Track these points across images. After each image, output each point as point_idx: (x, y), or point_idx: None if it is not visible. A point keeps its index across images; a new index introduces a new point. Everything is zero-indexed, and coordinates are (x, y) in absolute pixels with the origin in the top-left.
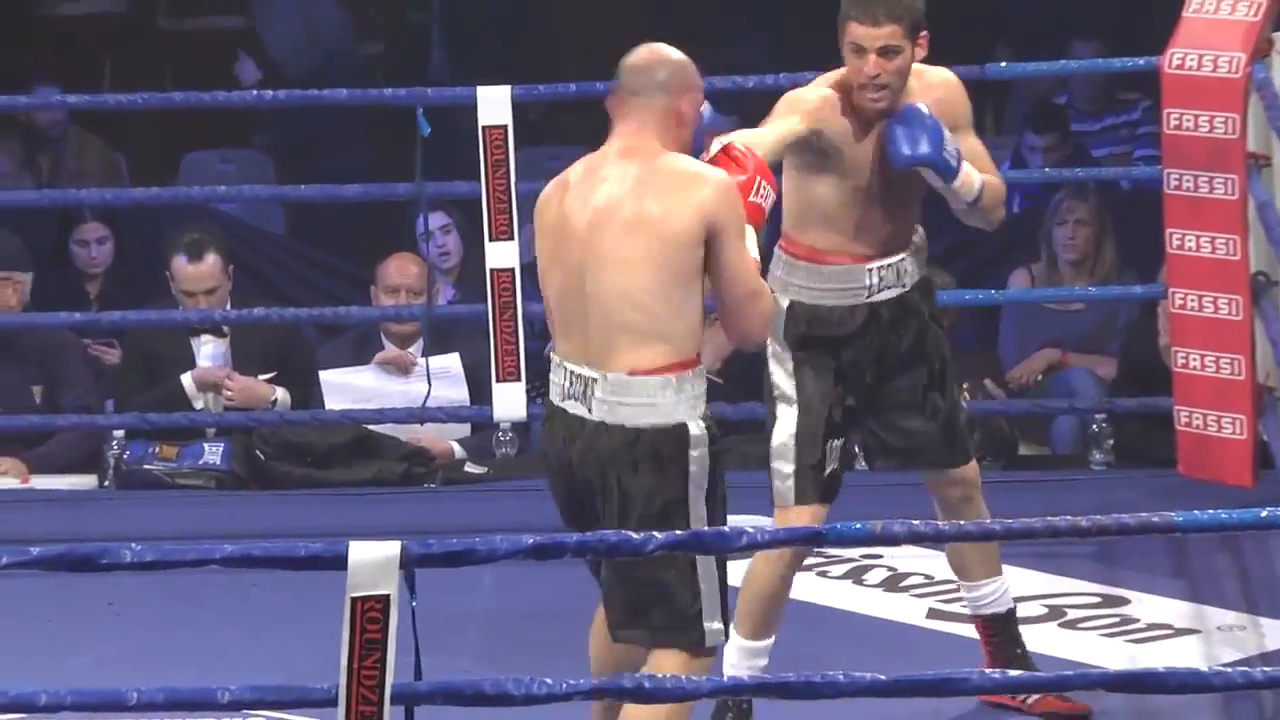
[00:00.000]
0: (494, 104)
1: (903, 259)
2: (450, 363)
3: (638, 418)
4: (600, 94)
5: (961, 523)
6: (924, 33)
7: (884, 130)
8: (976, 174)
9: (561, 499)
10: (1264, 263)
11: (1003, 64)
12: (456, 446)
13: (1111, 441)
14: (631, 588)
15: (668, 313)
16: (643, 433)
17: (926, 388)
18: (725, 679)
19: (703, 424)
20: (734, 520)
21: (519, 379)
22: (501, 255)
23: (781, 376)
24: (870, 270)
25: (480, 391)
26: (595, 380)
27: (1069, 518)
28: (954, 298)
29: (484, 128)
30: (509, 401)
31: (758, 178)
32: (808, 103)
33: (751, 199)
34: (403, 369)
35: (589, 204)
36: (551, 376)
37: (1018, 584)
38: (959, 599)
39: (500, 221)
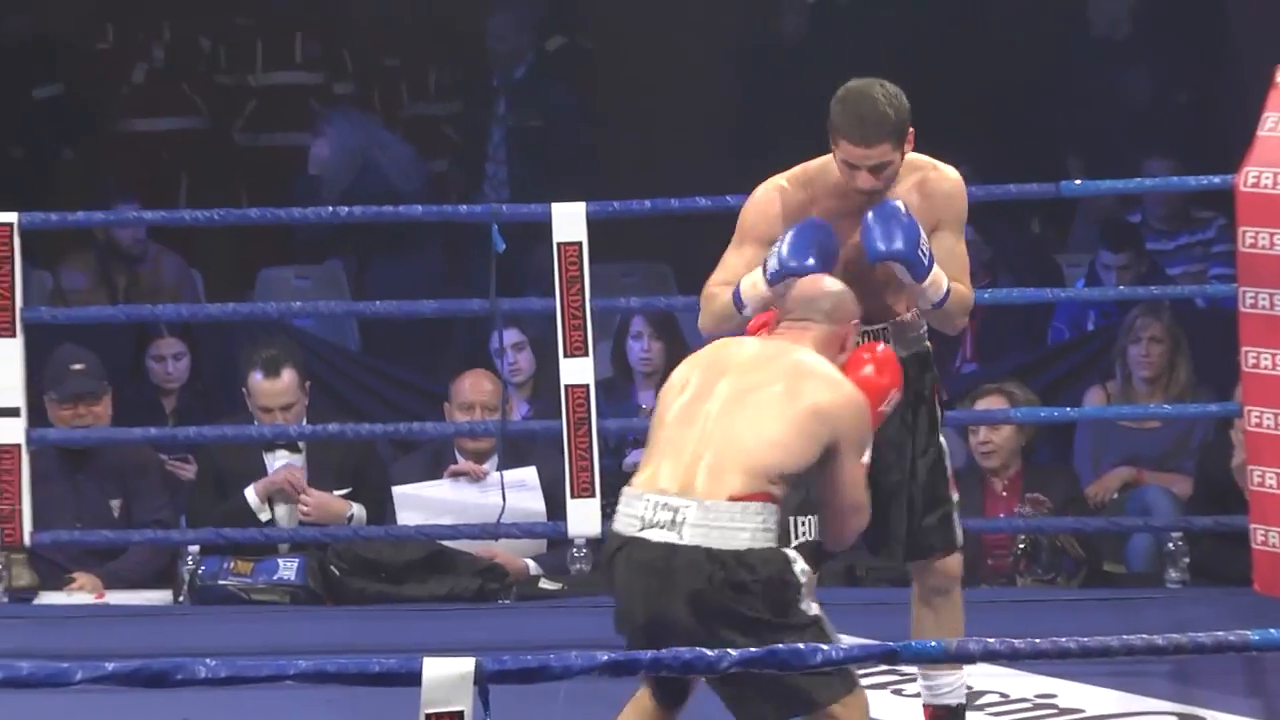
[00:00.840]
0: (569, 220)
1: (883, 327)
2: (527, 476)
3: (742, 541)
4: (673, 210)
5: (1036, 641)
6: (910, 131)
7: (862, 221)
8: (945, 278)
9: (636, 627)
10: None
11: (1077, 182)
12: (532, 563)
13: (1187, 559)
14: (766, 685)
15: (773, 472)
16: (744, 555)
17: (911, 464)
18: None
19: (796, 549)
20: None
21: (594, 495)
22: (576, 371)
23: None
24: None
25: (555, 507)
26: (689, 505)
27: (1145, 636)
28: (1029, 414)
29: (559, 244)
30: (584, 517)
31: (892, 390)
32: (774, 216)
33: (881, 408)
34: (475, 480)
35: (744, 355)
36: (620, 508)
37: (1094, 702)
38: (1036, 717)
39: (575, 338)
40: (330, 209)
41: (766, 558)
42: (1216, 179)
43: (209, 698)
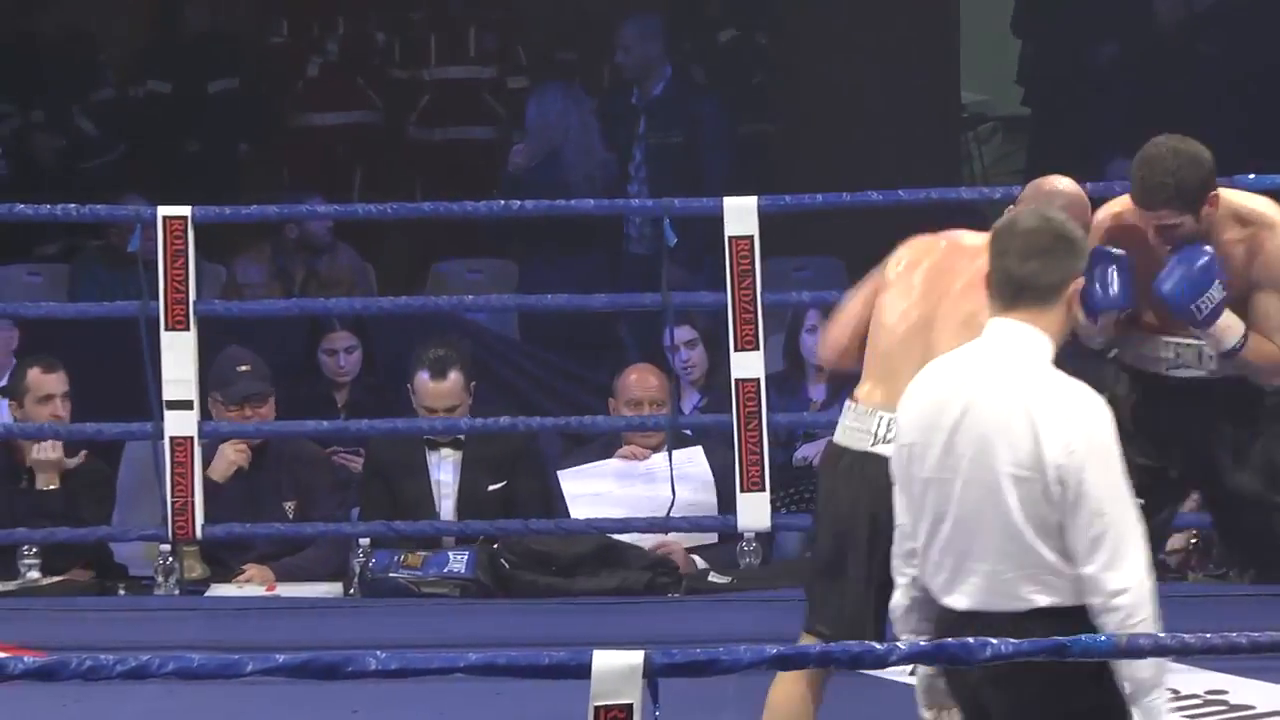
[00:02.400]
0: (741, 214)
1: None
2: (694, 455)
3: None
4: (845, 204)
5: (1207, 636)
6: (1212, 194)
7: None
8: (1239, 331)
9: (852, 532)
10: None
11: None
12: (697, 558)
13: None
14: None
15: None
16: None
17: None
18: None
19: None
20: None
21: (764, 489)
22: (747, 365)
23: None
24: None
25: (725, 501)
26: None
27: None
28: None
29: (730, 238)
30: (754, 511)
31: None
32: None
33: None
34: (640, 458)
35: (951, 272)
36: (851, 423)
37: (1266, 699)
38: (1211, 714)
39: (746, 332)
40: (502, 202)
41: None
42: None
43: (379, 690)
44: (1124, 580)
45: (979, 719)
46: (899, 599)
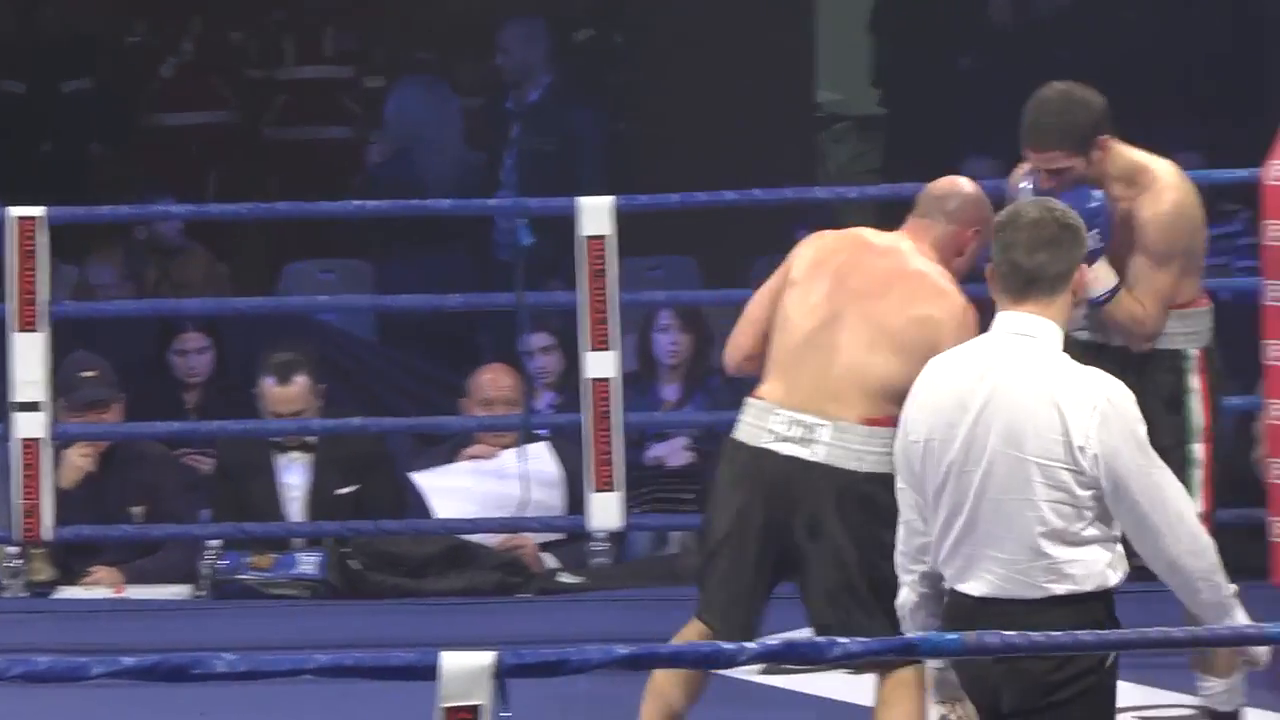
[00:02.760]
0: (596, 214)
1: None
2: (539, 451)
3: (867, 464)
4: (700, 204)
5: (1057, 634)
6: (1100, 138)
7: None
8: (1107, 282)
9: (745, 538)
10: None
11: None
12: (549, 556)
13: None
14: (846, 622)
15: (890, 389)
16: (874, 477)
17: None
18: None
19: None
20: None
21: (616, 489)
22: (600, 365)
23: None
24: None
25: (576, 501)
26: (821, 425)
27: (1163, 629)
28: None
29: (585, 238)
30: (605, 511)
31: None
32: None
33: None
34: (486, 456)
35: (859, 271)
36: (749, 419)
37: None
38: None
39: (599, 332)
40: (356, 203)
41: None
42: (1244, 172)
43: (227, 693)
44: (1176, 548)
45: (992, 703)
46: (906, 596)
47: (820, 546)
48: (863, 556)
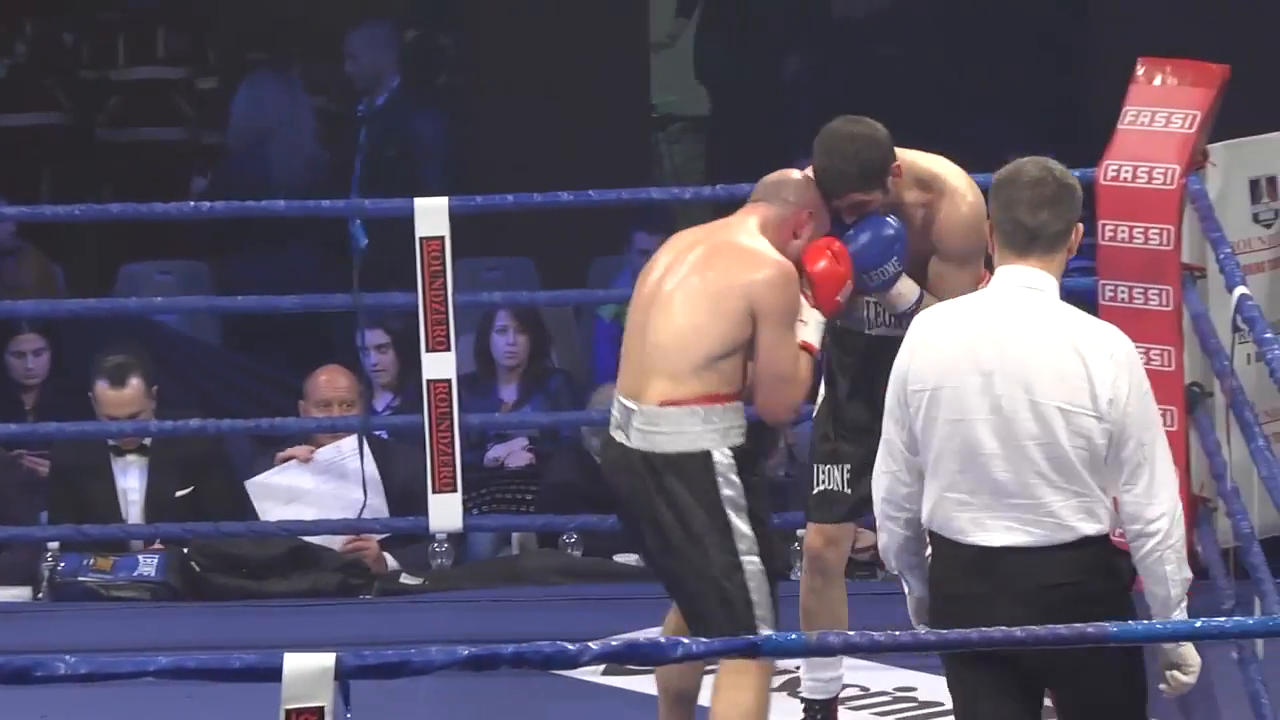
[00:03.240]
0: (431, 215)
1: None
2: (346, 445)
3: (667, 444)
4: (536, 205)
5: (896, 633)
6: (892, 167)
7: None
8: (910, 295)
9: (627, 524)
10: (1198, 374)
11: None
12: (389, 558)
13: None
14: (695, 611)
15: (704, 363)
16: (673, 459)
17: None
18: None
19: (728, 452)
20: None
21: (455, 490)
22: (438, 366)
23: None
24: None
25: (417, 502)
26: (633, 410)
27: (1004, 628)
28: None
29: (421, 239)
30: (445, 512)
31: (846, 280)
32: None
33: (837, 297)
34: (304, 459)
35: (673, 258)
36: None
37: (937, 693)
38: (900, 712)
39: (437, 333)
40: (193, 204)
41: (689, 459)
42: (1076, 172)
43: (68, 695)
44: (1162, 507)
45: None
46: (892, 540)
47: (650, 530)
48: (688, 535)
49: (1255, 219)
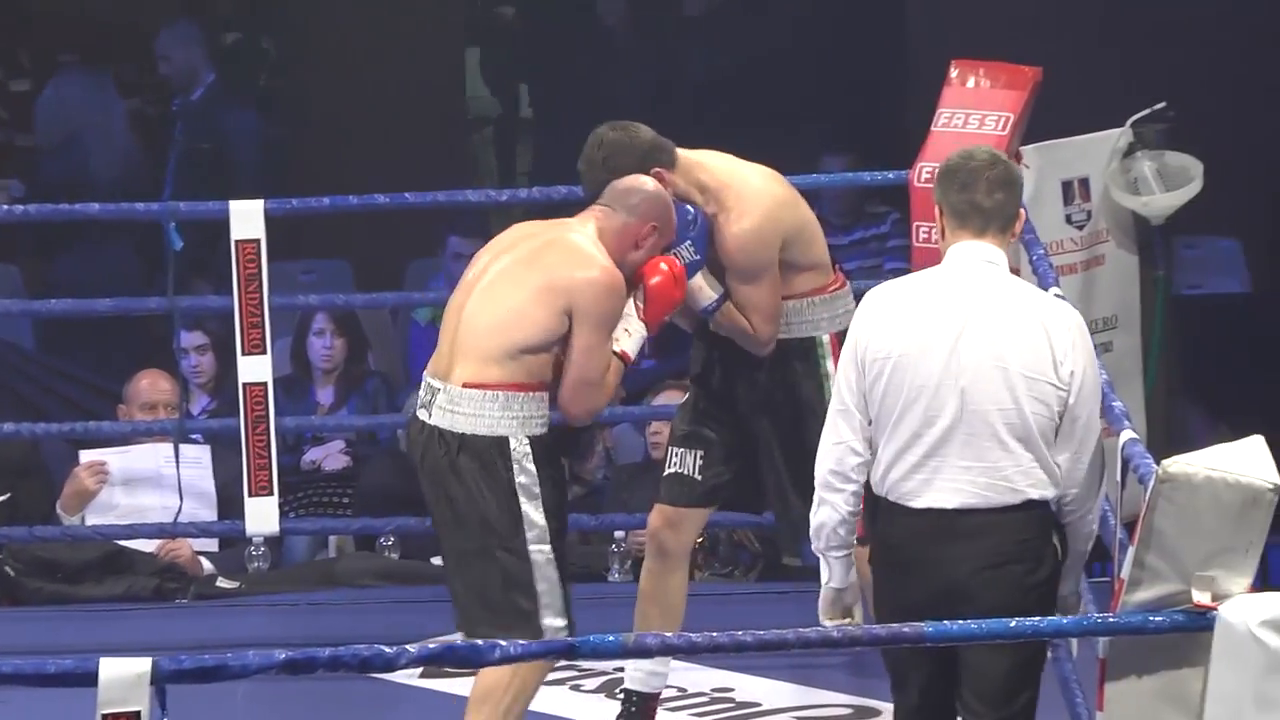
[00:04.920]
0: (247, 217)
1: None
2: (201, 454)
3: (465, 425)
4: (352, 208)
5: (714, 635)
6: (653, 170)
7: None
8: (710, 294)
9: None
10: None
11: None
12: (205, 561)
13: None
14: (472, 590)
15: (514, 351)
16: (469, 440)
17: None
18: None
19: (527, 441)
20: None
21: (272, 493)
22: (254, 369)
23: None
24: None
25: (233, 506)
26: (439, 389)
27: (820, 629)
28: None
29: (237, 241)
30: (262, 516)
31: (675, 300)
32: None
33: (665, 316)
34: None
35: (505, 247)
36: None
37: (771, 696)
38: (718, 713)
39: (253, 336)
40: (5, 208)
41: (485, 443)
42: (891, 174)
43: None
44: (1095, 473)
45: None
46: (831, 515)
47: (443, 507)
48: (478, 517)
49: (1068, 220)
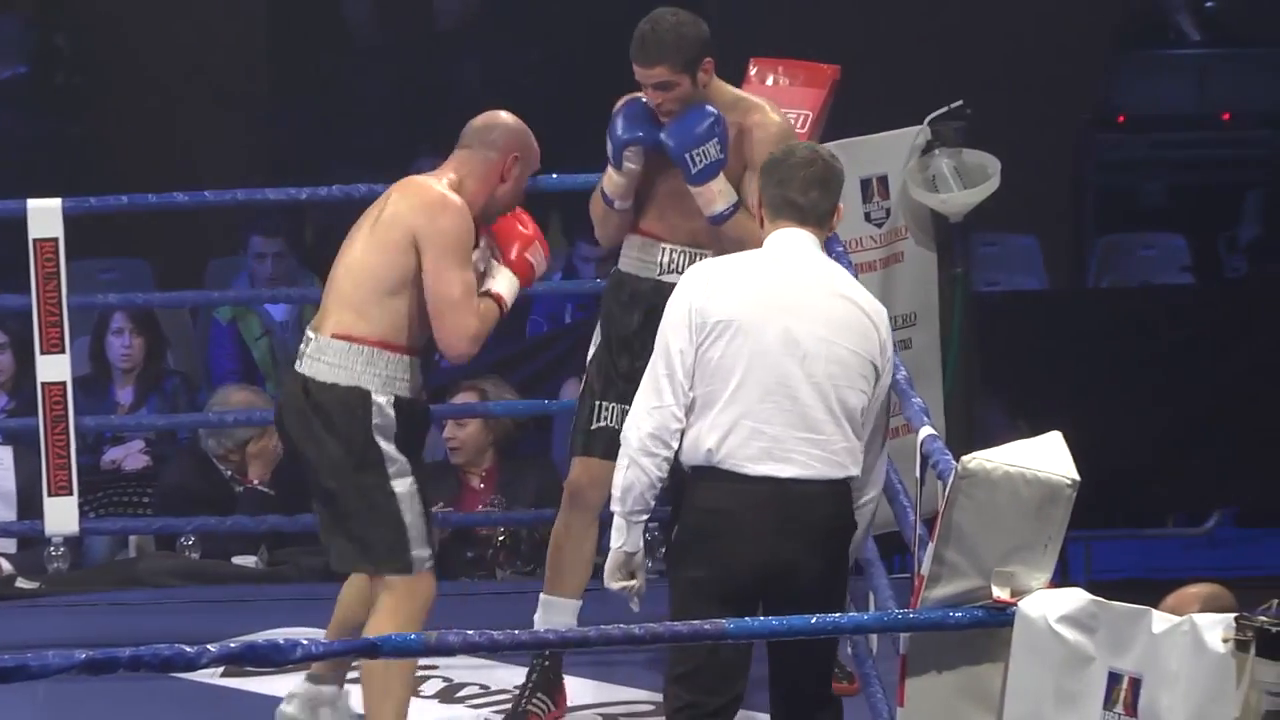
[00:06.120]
0: (44, 216)
1: (693, 251)
2: (1, 454)
3: (327, 374)
4: (151, 206)
5: (516, 633)
6: (705, 60)
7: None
8: (729, 199)
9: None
10: None
11: (554, 175)
12: (4, 562)
13: (664, 549)
14: (342, 529)
15: (374, 298)
16: (329, 388)
17: None
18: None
19: (390, 398)
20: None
21: (71, 493)
22: (53, 369)
23: (593, 342)
24: (664, 248)
25: (32, 506)
26: (311, 339)
27: (623, 626)
28: (507, 408)
29: (34, 240)
30: (61, 516)
31: (534, 241)
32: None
33: (526, 255)
34: None
35: (372, 208)
36: None
37: (574, 693)
38: (516, 708)
39: (52, 335)
40: None
41: (346, 391)
42: None
43: None
44: (883, 463)
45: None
46: (641, 478)
47: (310, 453)
48: (341, 456)
49: (867, 218)
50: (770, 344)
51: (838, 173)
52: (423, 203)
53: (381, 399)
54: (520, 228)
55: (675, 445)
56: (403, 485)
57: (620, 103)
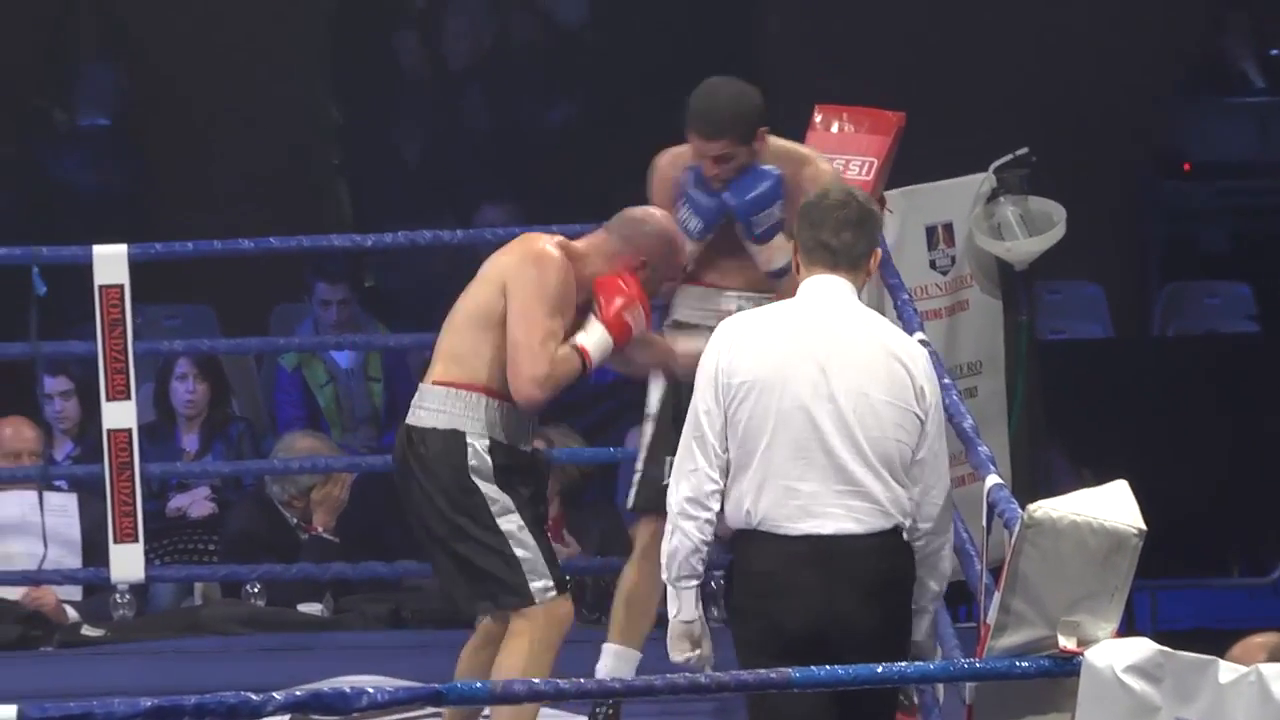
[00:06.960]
0: (110, 263)
1: (757, 297)
2: (66, 501)
3: (427, 420)
4: (218, 253)
5: (582, 680)
6: (762, 129)
7: None
8: (788, 252)
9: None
10: None
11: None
12: (70, 609)
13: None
14: (461, 572)
15: (471, 345)
16: (429, 432)
17: None
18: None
19: (486, 442)
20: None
21: (136, 540)
22: (119, 415)
23: (651, 393)
24: (729, 296)
25: (98, 553)
26: (420, 390)
27: (688, 675)
28: (572, 455)
29: (100, 287)
30: (127, 563)
31: (636, 302)
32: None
33: (624, 314)
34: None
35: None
36: None
37: None
38: None
39: (117, 381)
40: None
41: (443, 435)
42: None
43: None
44: (946, 506)
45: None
46: (685, 543)
47: (416, 500)
48: (446, 503)
49: (932, 265)
50: (800, 399)
51: (873, 215)
52: (522, 253)
53: (477, 442)
54: (623, 285)
55: (715, 506)
56: (509, 522)
57: (685, 176)
